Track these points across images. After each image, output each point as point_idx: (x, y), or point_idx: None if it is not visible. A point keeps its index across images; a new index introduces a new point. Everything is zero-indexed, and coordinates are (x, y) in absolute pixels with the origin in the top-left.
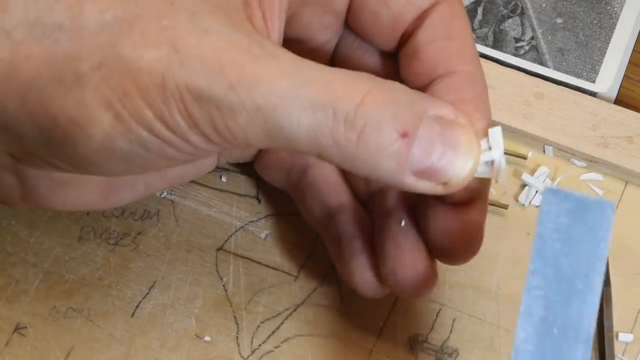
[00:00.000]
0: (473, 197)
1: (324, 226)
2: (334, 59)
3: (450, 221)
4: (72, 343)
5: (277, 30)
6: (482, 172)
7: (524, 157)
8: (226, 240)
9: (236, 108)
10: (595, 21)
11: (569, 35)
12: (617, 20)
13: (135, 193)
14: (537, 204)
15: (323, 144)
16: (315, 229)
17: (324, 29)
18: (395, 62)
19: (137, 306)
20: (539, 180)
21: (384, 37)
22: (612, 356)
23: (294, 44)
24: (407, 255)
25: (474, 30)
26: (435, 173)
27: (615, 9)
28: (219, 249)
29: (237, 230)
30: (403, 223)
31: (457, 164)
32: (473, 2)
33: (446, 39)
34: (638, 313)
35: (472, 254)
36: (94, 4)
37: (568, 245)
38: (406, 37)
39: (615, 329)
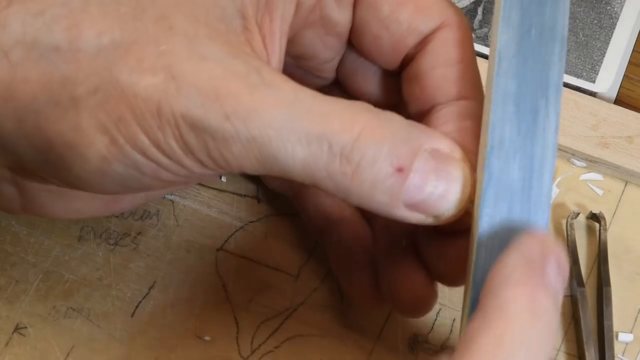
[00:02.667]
0: (468, 225)
1: (325, 236)
2: (339, 73)
3: (445, 247)
4: (72, 343)
5: (277, 54)
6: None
7: None
8: (226, 240)
9: (231, 138)
10: (595, 21)
11: (569, 35)
12: (617, 20)
13: (135, 200)
14: None
15: (317, 176)
16: (316, 238)
17: (326, 49)
18: (399, 79)
19: (137, 306)
20: None
21: (386, 59)
22: (612, 356)
23: (297, 59)
24: (406, 277)
25: (473, 30)
26: (428, 207)
27: (615, 9)
28: (219, 249)
29: (237, 230)
30: (404, 243)
31: (449, 198)
32: (473, 2)
33: (447, 66)
34: (638, 313)
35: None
36: (91, 26)
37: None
38: (408, 60)
39: (615, 329)
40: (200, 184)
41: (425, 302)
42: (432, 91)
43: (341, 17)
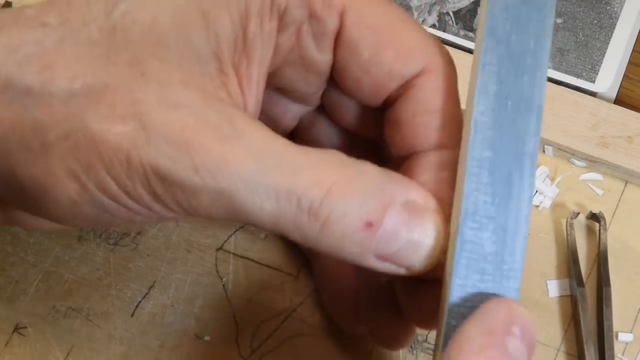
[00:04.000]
0: (441, 275)
1: (313, 255)
2: (324, 101)
3: (419, 294)
4: (71, 343)
5: (254, 96)
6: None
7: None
8: (226, 240)
9: (199, 190)
10: (595, 21)
11: (569, 35)
12: (617, 20)
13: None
14: (537, 204)
15: (286, 229)
16: (305, 255)
17: (307, 85)
18: (382, 114)
19: (136, 306)
20: (538, 180)
21: (368, 100)
22: (612, 356)
23: (279, 91)
24: (382, 315)
25: (473, 30)
26: (399, 259)
27: (615, 9)
28: (219, 249)
29: (237, 230)
30: (383, 281)
31: (421, 252)
32: (473, 2)
33: (427, 114)
34: (638, 313)
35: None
36: (64, 70)
37: (517, 24)
38: (392, 101)
39: (615, 329)
40: None
41: (399, 341)
42: (411, 139)
43: (321, 57)
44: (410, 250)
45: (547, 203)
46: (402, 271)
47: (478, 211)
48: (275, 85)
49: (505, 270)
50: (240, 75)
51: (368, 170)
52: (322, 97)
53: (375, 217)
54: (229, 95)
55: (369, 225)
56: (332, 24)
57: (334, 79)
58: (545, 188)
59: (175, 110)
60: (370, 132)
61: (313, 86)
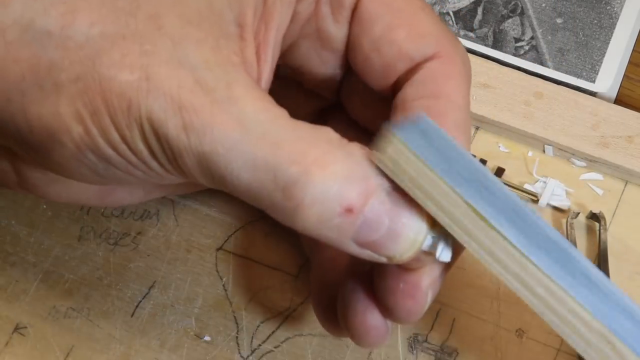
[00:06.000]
0: (421, 264)
1: (313, 254)
2: (342, 95)
3: (394, 281)
4: (72, 343)
5: (269, 63)
6: (427, 245)
7: (535, 196)
8: (226, 240)
9: (184, 149)
10: (595, 21)
11: (569, 35)
12: (617, 20)
13: (133, 196)
14: (539, 202)
15: (262, 204)
16: (307, 254)
17: (322, 64)
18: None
19: (137, 306)
20: (538, 186)
21: (377, 82)
22: None
23: (295, 73)
24: (357, 312)
25: (473, 30)
26: (379, 248)
27: (615, 9)
28: (219, 249)
29: (237, 230)
30: (367, 267)
31: (402, 243)
32: (473, 2)
33: (432, 98)
34: None
35: (414, 316)
36: (86, 15)
37: (444, 157)
38: (400, 86)
39: None
40: None
41: (376, 337)
42: None
43: (337, 31)
44: (391, 240)
45: (550, 202)
46: (383, 260)
47: None
48: (291, 63)
49: None
50: (258, 41)
51: (357, 154)
52: (341, 90)
53: (356, 202)
54: (243, 61)
55: (349, 210)
56: None
57: (350, 62)
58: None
59: (180, 67)
60: None
61: (329, 67)
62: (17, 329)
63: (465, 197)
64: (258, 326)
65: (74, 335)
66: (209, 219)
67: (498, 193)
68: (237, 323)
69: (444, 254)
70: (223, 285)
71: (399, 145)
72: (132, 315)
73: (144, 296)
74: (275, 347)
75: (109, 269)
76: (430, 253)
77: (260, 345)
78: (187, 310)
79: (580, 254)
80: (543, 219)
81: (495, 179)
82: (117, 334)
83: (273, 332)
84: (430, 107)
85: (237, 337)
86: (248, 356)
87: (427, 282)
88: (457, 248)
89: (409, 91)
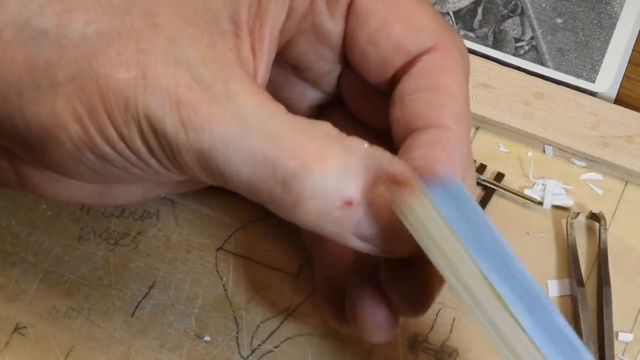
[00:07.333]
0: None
1: (315, 250)
2: (342, 89)
3: (400, 276)
4: (72, 343)
5: (265, 60)
6: None
7: (538, 203)
8: (226, 240)
9: (182, 146)
10: (595, 21)
11: (569, 35)
12: (617, 20)
13: (132, 195)
14: (540, 201)
15: (261, 198)
16: (309, 251)
17: (320, 60)
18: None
19: (137, 306)
20: (538, 189)
21: (375, 77)
22: (612, 356)
23: (294, 69)
24: (366, 307)
25: (473, 30)
26: (380, 241)
27: (615, 9)
28: (219, 248)
29: (237, 230)
30: (374, 262)
31: (402, 237)
32: (473, 2)
33: (430, 91)
34: (638, 313)
35: (422, 309)
36: (82, 14)
37: (471, 228)
38: (397, 81)
39: (615, 329)
40: None
41: (384, 332)
42: (412, 116)
43: (333, 27)
44: (390, 234)
45: (548, 203)
46: (385, 254)
47: None
48: (289, 59)
49: None
50: (254, 38)
51: (355, 147)
52: (341, 84)
53: (355, 196)
54: (238, 58)
55: (348, 204)
56: None
57: (347, 57)
58: (556, 190)
59: (176, 65)
60: (385, 121)
61: (326, 62)
62: (17, 329)
63: (487, 272)
64: (258, 326)
65: (74, 335)
66: (209, 219)
67: (518, 275)
68: (237, 323)
69: None
70: (223, 285)
71: (429, 208)
72: (132, 315)
73: (144, 296)
74: (275, 347)
75: (109, 269)
76: None
77: (260, 345)
78: (187, 310)
79: (590, 355)
80: (557, 309)
81: (516, 257)
82: (117, 334)
83: (273, 332)
84: (429, 100)
85: (237, 337)
86: (248, 356)
87: (431, 274)
88: None
89: (407, 85)
